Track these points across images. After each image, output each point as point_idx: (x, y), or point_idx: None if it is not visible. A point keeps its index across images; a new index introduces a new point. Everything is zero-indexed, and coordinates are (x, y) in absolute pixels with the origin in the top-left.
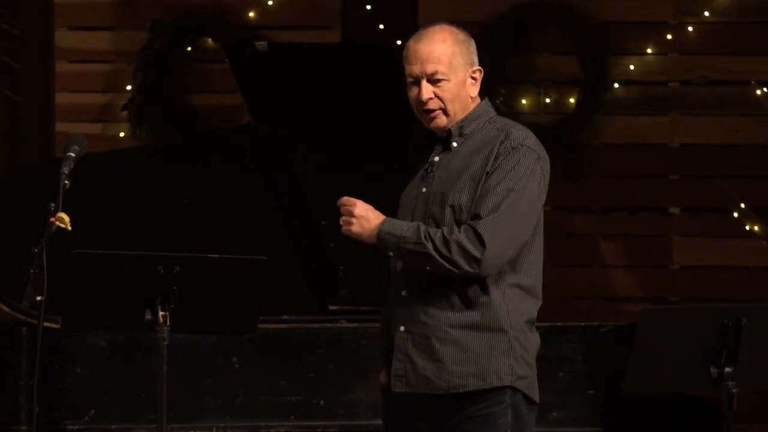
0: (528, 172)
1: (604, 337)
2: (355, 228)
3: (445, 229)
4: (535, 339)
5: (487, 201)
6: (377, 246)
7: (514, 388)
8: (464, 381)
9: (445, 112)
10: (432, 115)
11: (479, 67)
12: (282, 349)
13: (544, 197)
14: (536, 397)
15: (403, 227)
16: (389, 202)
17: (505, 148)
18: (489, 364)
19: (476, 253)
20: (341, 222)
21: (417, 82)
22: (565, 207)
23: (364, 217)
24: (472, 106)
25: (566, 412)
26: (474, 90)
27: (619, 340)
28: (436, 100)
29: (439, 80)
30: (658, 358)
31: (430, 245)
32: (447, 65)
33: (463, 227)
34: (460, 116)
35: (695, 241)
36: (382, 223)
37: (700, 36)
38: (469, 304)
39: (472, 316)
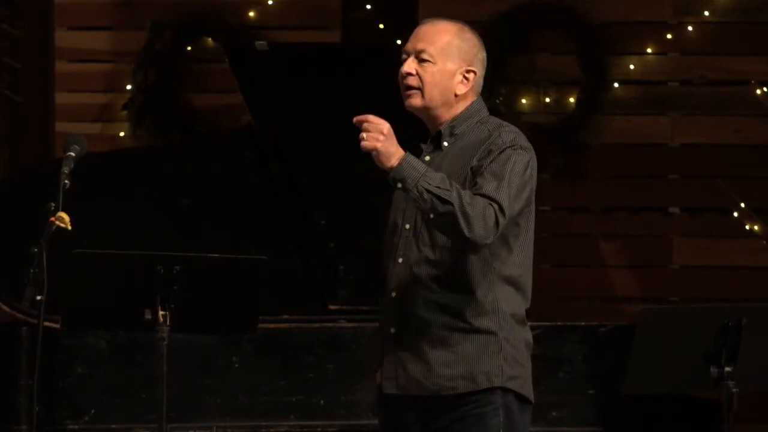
0: (522, 167)
1: (604, 337)
2: (380, 145)
3: (469, 192)
4: (526, 337)
5: (488, 183)
6: (392, 173)
7: (504, 389)
8: (454, 383)
9: (422, 93)
10: (408, 92)
11: (474, 70)
12: (282, 349)
13: (532, 195)
14: (531, 396)
15: (426, 167)
16: (389, 200)
17: (497, 145)
18: (478, 366)
19: (493, 231)
20: (363, 137)
21: (407, 58)
22: (565, 207)
23: (390, 139)
24: (462, 104)
25: (566, 412)
26: (462, 88)
27: (619, 340)
28: (416, 77)
29: (424, 60)
30: (658, 358)
31: (455, 194)
32: (437, 49)
33: (488, 201)
34: (436, 105)
35: (695, 241)
36: (407, 153)
37: (700, 36)
38: (457, 305)
39: (460, 317)
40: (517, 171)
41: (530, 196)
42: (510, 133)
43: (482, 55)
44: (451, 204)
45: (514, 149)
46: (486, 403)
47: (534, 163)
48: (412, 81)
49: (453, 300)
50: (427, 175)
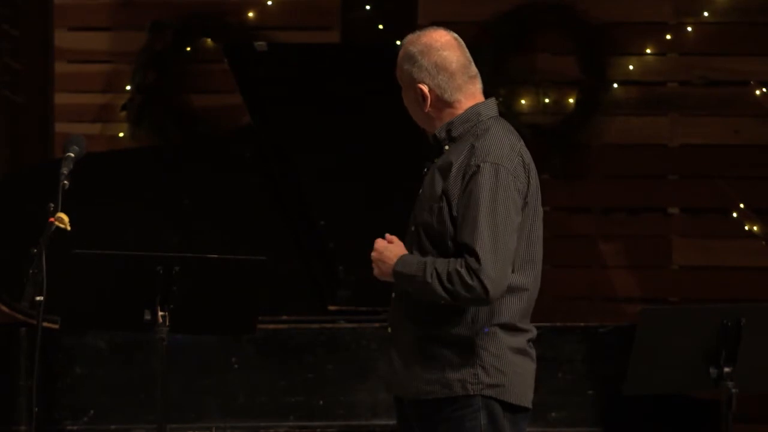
0: (492, 191)
1: (604, 337)
2: (376, 272)
3: (452, 260)
4: (513, 343)
5: (464, 231)
6: (395, 284)
7: (483, 396)
8: (431, 388)
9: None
10: None
11: (421, 85)
12: (282, 350)
13: (517, 202)
14: (521, 402)
15: (413, 265)
16: (388, 200)
17: (468, 167)
18: (453, 373)
19: (479, 287)
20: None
21: None
22: (564, 207)
23: (380, 259)
24: (457, 112)
25: (566, 412)
26: (430, 109)
27: (619, 340)
28: None
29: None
30: (658, 358)
31: (436, 282)
32: (400, 79)
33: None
34: (424, 124)
35: (695, 241)
36: (396, 263)
37: (700, 36)
38: (437, 312)
39: (439, 324)
40: (486, 209)
41: (521, 214)
42: (484, 145)
43: (424, 60)
44: (435, 292)
45: (480, 169)
46: (464, 406)
47: (508, 175)
48: None
49: (431, 307)
50: (415, 276)
